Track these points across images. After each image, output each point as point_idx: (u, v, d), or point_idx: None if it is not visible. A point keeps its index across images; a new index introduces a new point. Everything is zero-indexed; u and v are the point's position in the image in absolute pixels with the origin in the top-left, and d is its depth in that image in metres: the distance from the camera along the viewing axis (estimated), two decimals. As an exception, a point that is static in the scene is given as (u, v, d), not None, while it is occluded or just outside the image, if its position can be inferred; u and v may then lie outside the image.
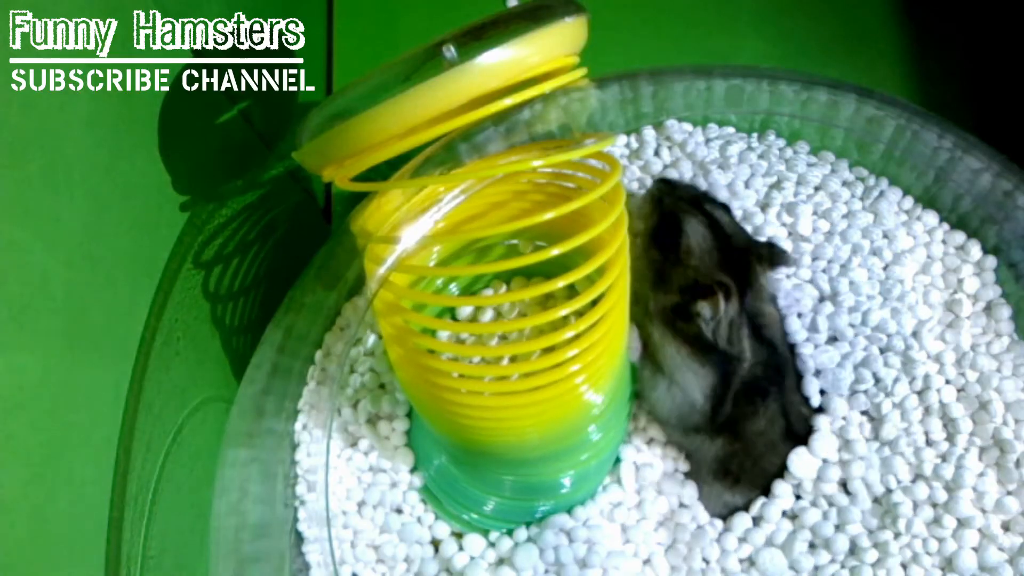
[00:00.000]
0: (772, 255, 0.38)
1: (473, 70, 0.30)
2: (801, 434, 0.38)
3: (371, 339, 0.42)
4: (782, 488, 0.38)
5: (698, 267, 0.37)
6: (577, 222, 0.35)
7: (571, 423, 0.35)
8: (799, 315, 0.41)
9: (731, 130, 0.46)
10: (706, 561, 0.38)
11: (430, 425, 0.37)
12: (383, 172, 0.39)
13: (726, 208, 0.40)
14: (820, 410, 0.39)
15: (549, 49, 0.32)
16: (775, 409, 0.38)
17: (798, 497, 0.38)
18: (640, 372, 0.39)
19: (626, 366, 0.38)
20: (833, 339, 0.40)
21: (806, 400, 0.39)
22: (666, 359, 0.38)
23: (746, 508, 0.38)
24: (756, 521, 0.38)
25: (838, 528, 0.37)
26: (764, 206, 0.43)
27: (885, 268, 0.42)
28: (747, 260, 0.38)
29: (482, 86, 0.30)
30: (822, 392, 0.39)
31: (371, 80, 0.35)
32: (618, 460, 0.40)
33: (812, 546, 0.37)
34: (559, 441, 0.36)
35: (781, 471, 0.38)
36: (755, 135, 0.46)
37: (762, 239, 0.42)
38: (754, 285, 0.38)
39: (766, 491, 0.38)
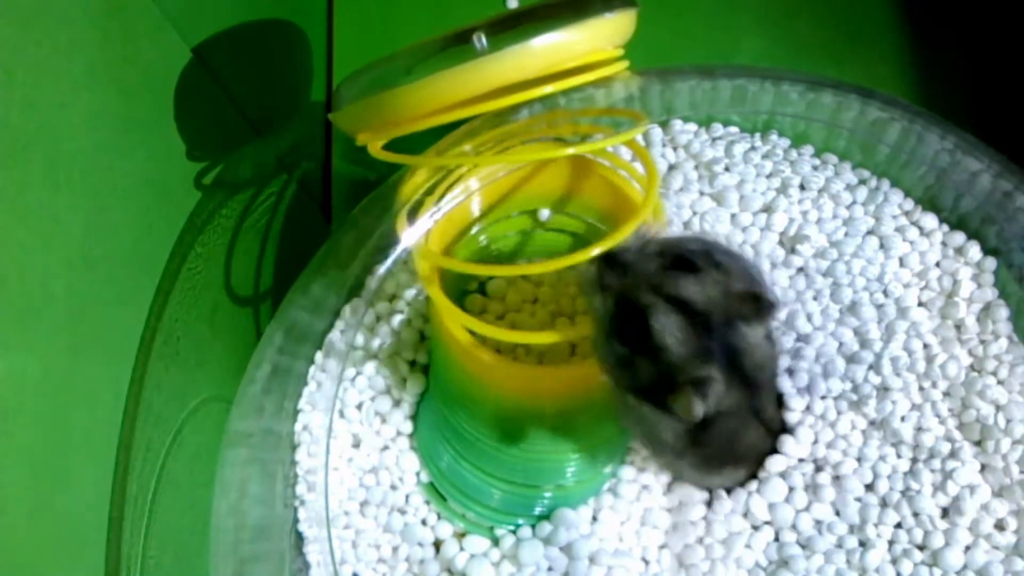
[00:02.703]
0: (759, 310, 0.32)
1: (532, 52, 0.30)
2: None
3: (373, 341, 0.42)
4: (772, 485, 0.38)
5: (672, 360, 0.31)
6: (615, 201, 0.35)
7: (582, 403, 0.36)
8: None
9: (735, 130, 0.46)
10: (708, 560, 0.38)
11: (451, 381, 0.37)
12: (382, 171, 0.39)
13: (703, 252, 0.33)
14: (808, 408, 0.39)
15: (600, 39, 0.32)
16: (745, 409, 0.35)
17: (786, 501, 0.38)
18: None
19: None
20: (828, 339, 0.40)
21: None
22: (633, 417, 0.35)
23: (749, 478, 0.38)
24: (747, 515, 0.38)
25: (828, 527, 0.37)
26: (768, 209, 0.43)
27: (885, 270, 0.42)
28: (731, 332, 0.32)
29: (540, 69, 0.31)
30: (809, 389, 0.40)
31: (405, 57, 0.35)
32: (623, 460, 0.40)
33: (801, 545, 0.38)
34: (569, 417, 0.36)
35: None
36: (758, 135, 0.46)
37: (772, 237, 0.42)
38: (742, 348, 0.32)
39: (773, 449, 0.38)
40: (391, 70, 0.35)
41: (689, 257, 0.32)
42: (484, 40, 0.32)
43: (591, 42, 0.33)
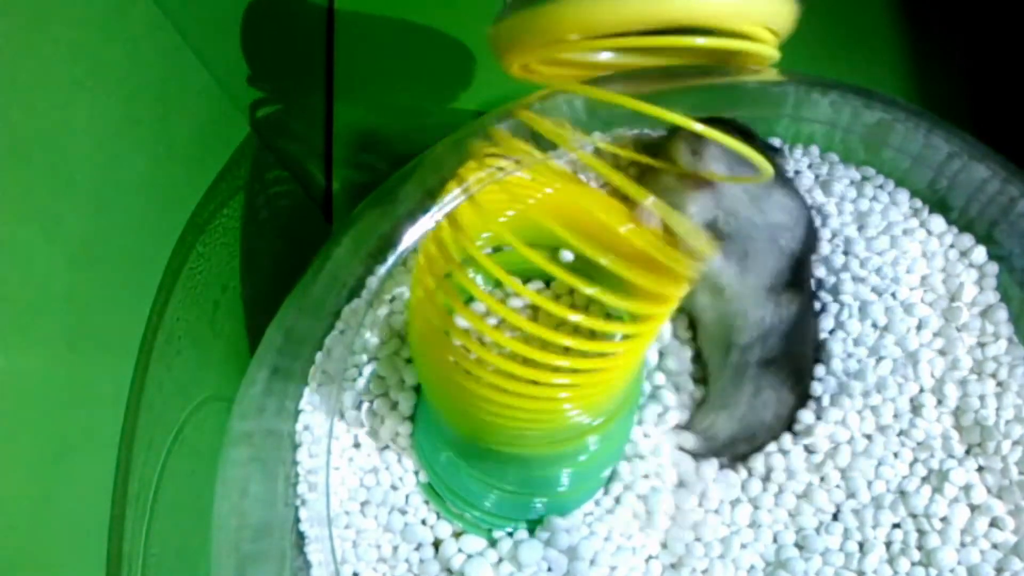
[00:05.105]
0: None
1: None
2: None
3: (375, 341, 0.42)
4: (769, 486, 0.38)
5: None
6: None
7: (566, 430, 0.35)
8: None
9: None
10: (707, 559, 0.38)
11: (433, 395, 0.37)
12: (383, 171, 0.39)
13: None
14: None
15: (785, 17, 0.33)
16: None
17: (784, 502, 0.38)
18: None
19: (637, 386, 0.39)
20: (829, 338, 0.40)
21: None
22: None
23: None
24: (744, 515, 0.38)
25: (825, 528, 0.38)
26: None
27: (889, 271, 0.42)
28: None
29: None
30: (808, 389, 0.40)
31: None
32: (621, 463, 0.40)
33: (799, 546, 0.38)
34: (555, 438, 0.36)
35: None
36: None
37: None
38: None
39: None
40: None
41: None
42: None
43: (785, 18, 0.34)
